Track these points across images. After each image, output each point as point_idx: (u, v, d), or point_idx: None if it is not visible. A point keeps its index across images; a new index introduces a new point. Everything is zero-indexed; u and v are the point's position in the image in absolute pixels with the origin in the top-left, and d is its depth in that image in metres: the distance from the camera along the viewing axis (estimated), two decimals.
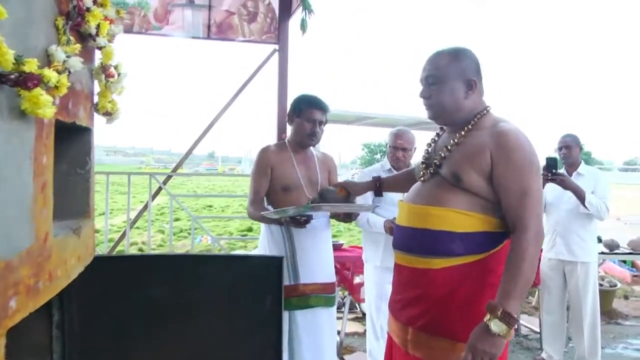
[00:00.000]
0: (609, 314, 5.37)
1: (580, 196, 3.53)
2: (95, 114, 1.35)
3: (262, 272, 1.47)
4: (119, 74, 1.32)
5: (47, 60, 1.02)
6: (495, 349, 1.49)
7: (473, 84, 1.74)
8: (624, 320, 5.44)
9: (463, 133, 1.74)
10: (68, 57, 1.04)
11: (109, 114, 1.35)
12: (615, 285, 5.74)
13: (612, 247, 4.45)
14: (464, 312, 1.62)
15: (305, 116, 2.79)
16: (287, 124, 2.92)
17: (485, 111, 1.76)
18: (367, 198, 3.32)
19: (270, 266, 1.46)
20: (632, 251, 4.61)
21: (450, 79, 1.72)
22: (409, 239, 1.76)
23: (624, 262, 6.96)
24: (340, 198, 2.35)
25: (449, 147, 1.75)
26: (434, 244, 1.67)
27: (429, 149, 1.90)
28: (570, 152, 3.77)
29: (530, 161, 1.63)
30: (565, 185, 3.52)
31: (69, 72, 1.05)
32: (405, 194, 1.95)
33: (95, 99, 1.34)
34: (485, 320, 1.50)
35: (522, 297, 1.57)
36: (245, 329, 1.47)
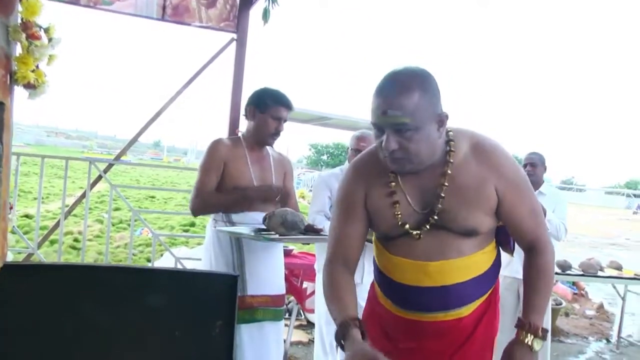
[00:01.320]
0: (552, 332, 5.40)
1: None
2: (14, 85, 1.08)
3: (212, 292, 1.24)
4: (50, 39, 1.06)
5: None
6: None
7: (444, 119, 1.41)
8: (565, 337, 5.50)
9: (449, 172, 1.46)
10: None
11: (31, 87, 1.08)
12: (561, 304, 5.80)
13: (564, 268, 4.45)
14: (484, 341, 1.60)
15: (271, 113, 2.56)
16: (245, 118, 2.65)
17: (450, 135, 1.48)
18: (325, 205, 3.13)
19: (223, 285, 1.23)
20: (583, 273, 4.61)
21: (425, 123, 1.36)
22: (435, 299, 1.53)
23: (566, 280, 7.08)
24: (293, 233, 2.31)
25: (442, 194, 1.45)
26: (467, 295, 1.55)
27: (398, 201, 1.50)
28: (535, 170, 3.75)
29: (524, 175, 1.55)
30: None
31: None
32: (393, 246, 1.55)
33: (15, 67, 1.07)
34: (526, 341, 1.47)
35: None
36: (190, 356, 1.23)
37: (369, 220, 1.56)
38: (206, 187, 2.53)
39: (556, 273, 4.63)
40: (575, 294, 7.21)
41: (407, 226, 1.49)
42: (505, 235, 1.61)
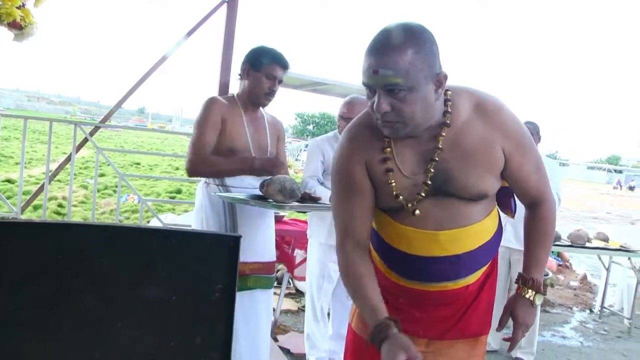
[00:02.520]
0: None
1: None
2: None
3: (213, 253, 1.18)
4: None
5: None
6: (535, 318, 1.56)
7: (443, 80, 1.28)
8: (551, 308, 5.57)
9: (444, 134, 1.34)
10: None
11: (18, 26, 0.99)
12: (547, 275, 5.85)
13: (554, 238, 4.45)
14: (487, 302, 1.57)
15: (265, 71, 2.45)
16: (239, 77, 2.54)
17: (448, 94, 1.36)
18: (317, 170, 3.07)
19: (224, 246, 1.17)
20: (572, 244, 4.65)
21: (420, 83, 1.23)
22: (447, 269, 1.45)
23: (552, 251, 7.17)
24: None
25: (437, 158, 1.34)
26: (476, 262, 1.49)
27: (391, 169, 1.38)
28: None
29: (527, 131, 1.46)
30: None
31: None
32: (398, 215, 1.42)
33: None
34: (527, 296, 1.49)
35: None
36: (188, 322, 1.18)
37: (373, 193, 1.43)
38: (205, 145, 2.39)
39: None
40: (560, 265, 7.31)
41: (401, 197, 1.37)
42: (505, 197, 1.52)
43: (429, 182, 1.35)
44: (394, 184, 1.37)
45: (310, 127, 56.56)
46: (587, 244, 4.77)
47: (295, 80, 5.53)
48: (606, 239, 5.08)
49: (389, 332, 1.25)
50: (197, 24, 4.72)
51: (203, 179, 2.55)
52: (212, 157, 2.41)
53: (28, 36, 1.00)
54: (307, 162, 3.16)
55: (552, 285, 6.34)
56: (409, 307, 1.52)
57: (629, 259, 4.96)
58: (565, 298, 6.00)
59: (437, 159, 1.34)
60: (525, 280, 1.49)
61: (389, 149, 1.38)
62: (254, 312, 2.48)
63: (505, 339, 4.01)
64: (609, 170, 65.37)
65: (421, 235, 1.41)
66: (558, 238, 4.57)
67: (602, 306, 5.45)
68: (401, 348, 1.20)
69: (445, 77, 1.28)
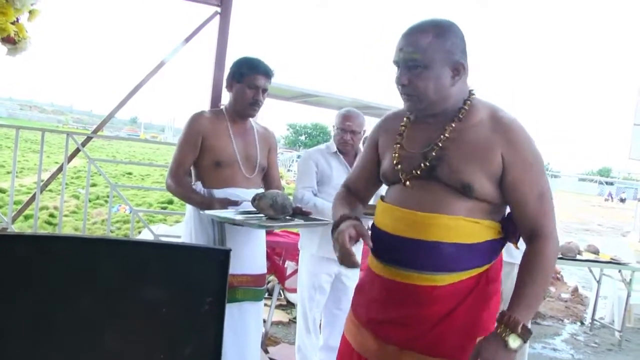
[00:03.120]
0: None
1: None
2: None
3: (203, 266, 1.18)
4: None
5: None
6: None
7: (461, 69, 1.46)
8: (542, 320, 5.57)
9: (454, 125, 1.48)
10: None
11: (11, 41, 1.00)
12: None
13: None
14: (467, 328, 1.46)
15: (247, 82, 2.44)
16: (226, 90, 2.55)
17: (471, 97, 1.51)
18: (312, 180, 3.07)
19: (214, 259, 1.17)
20: (562, 256, 4.66)
21: (435, 63, 1.43)
22: (410, 253, 1.47)
23: None
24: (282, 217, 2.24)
25: (440, 144, 1.47)
26: (444, 259, 1.45)
27: (400, 143, 1.57)
28: None
29: (541, 158, 1.48)
30: None
31: None
32: (388, 195, 1.60)
33: None
34: (501, 335, 1.35)
35: (537, 309, 1.49)
36: (178, 333, 1.17)
37: (376, 161, 1.67)
38: (180, 166, 2.46)
39: None
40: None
41: (399, 167, 1.52)
42: (513, 225, 1.52)
43: (427, 164, 1.46)
44: (396, 155, 1.54)
45: (303, 137, 56.63)
46: (578, 257, 4.78)
47: (287, 92, 5.56)
48: (597, 252, 5.09)
49: (344, 219, 1.51)
50: (190, 35, 4.73)
51: None
52: (183, 183, 2.47)
53: (21, 51, 1.01)
54: (300, 173, 3.14)
55: (543, 297, 6.37)
56: (383, 304, 1.54)
57: (620, 271, 4.99)
58: (557, 310, 6.00)
59: (440, 144, 1.47)
60: (501, 317, 1.37)
61: (403, 128, 1.58)
62: (243, 324, 2.45)
63: None
64: (600, 183, 65.66)
65: (398, 213, 1.51)
66: None
67: (593, 319, 5.45)
68: (352, 226, 1.43)
69: (463, 67, 1.46)
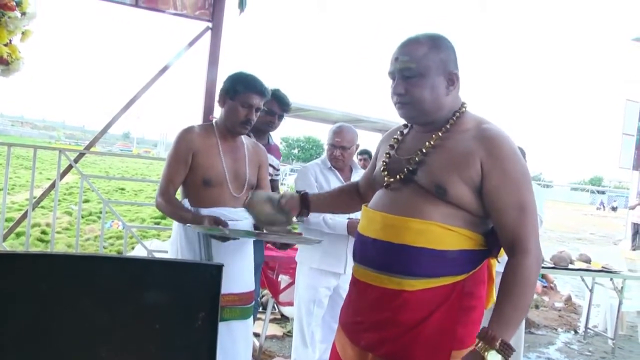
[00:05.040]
0: (524, 323, 5.49)
1: None
2: None
3: (195, 282, 1.19)
4: (23, 13, 1.00)
5: None
6: None
7: (455, 79, 1.52)
8: (536, 329, 5.59)
9: (440, 134, 1.52)
10: None
11: (4, 62, 1.03)
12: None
13: None
14: (438, 338, 1.43)
15: (240, 99, 2.39)
16: (218, 104, 2.50)
17: (463, 109, 1.55)
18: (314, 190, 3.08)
19: (206, 275, 1.19)
20: (554, 266, 4.69)
21: (431, 72, 1.48)
22: (380, 255, 1.50)
23: None
24: (280, 217, 1.97)
25: (424, 150, 1.52)
26: (412, 263, 1.44)
27: (393, 150, 1.64)
28: None
29: (525, 171, 1.47)
30: None
31: None
32: (372, 199, 1.64)
33: None
34: (479, 350, 1.33)
35: (519, 325, 1.42)
36: (171, 349, 1.18)
37: (373, 169, 1.76)
38: (169, 184, 2.40)
39: None
40: (544, 287, 7.35)
41: (386, 172, 1.57)
42: (495, 238, 1.50)
43: (410, 168, 1.51)
44: (384, 162, 1.61)
45: (296, 151, 56.68)
46: (570, 266, 4.83)
47: None
48: (588, 260, 5.13)
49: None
50: (182, 50, 4.75)
51: None
52: (173, 201, 2.41)
53: (14, 71, 1.03)
54: (301, 188, 3.08)
55: (537, 307, 6.39)
56: (356, 307, 1.58)
57: (611, 279, 5.02)
58: (551, 319, 6.02)
59: (424, 150, 1.51)
60: (481, 332, 1.36)
61: (398, 138, 1.66)
62: (231, 342, 2.40)
63: None
64: (592, 192, 66.09)
65: (372, 215, 1.57)
66: (541, 260, 4.62)
67: (586, 327, 5.47)
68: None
69: (457, 77, 1.52)
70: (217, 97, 2.53)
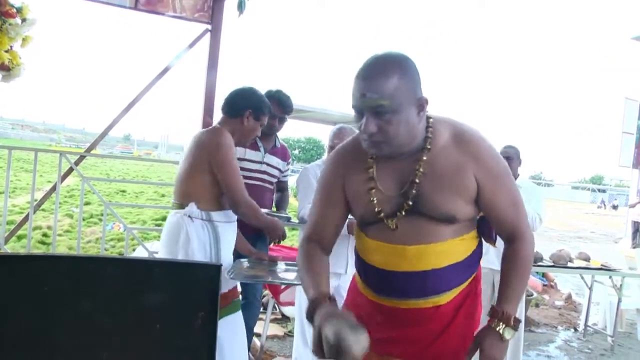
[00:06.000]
0: (524, 322, 5.51)
1: None
2: None
3: (194, 282, 1.21)
4: (24, 20, 1.02)
5: None
6: (505, 354, 1.50)
7: (424, 104, 1.41)
8: (536, 327, 5.61)
9: (425, 158, 1.46)
10: None
11: (5, 68, 1.05)
12: (531, 295, 5.92)
13: (536, 260, 4.54)
14: (465, 329, 1.57)
15: (262, 121, 2.58)
16: (236, 114, 2.54)
17: (430, 122, 1.49)
18: None
19: (204, 275, 1.21)
20: (554, 264, 4.71)
21: (403, 106, 1.36)
22: (410, 285, 1.51)
23: (536, 272, 7.22)
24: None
25: (417, 181, 1.45)
26: (442, 283, 1.52)
27: (374, 189, 1.50)
28: (510, 164, 3.77)
29: (504, 163, 1.54)
30: None
31: None
32: (372, 232, 1.54)
33: None
34: (496, 329, 1.47)
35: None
36: (172, 349, 1.21)
37: (347, 205, 1.59)
38: (245, 190, 2.47)
39: None
40: (545, 285, 7.36)
41: (382, 214, 1.49)
42: (488, 226, 1.60)
43: (410, 203, 1.45)
44: (375, 201, 1.49)
45: (296, 151, 56.68)
46: (569, 264, 4.84)
47: None
48: (587, 259, 5.15)
49: (319, 306, 1.35)
50: (181, 52, 4.76)
51: (184, 212, 2.43)
52: (258, 209, 2.53)
53: (15, 77, 1.05)
54: (303, 190, 3.13)
55: (537, 305, 6.40)
56: (385, 327, 1.57)
57: (610, 277, 5.04)
58: (551, 317, 6.04)
59: (417, 181, 1.45)
60: (495, 312, 1.48)
61: (371, 170, 1.52)
62: (227, 338, 2.43)
63: None
64: (593, 190, 66.08)
65: (388, 250, 1.50)
66: (540, 259, 4.64)
67: (586, 325, 5.49)
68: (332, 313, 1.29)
69: (426, 101, 1.41)
70: (217, 102, 2.62)
